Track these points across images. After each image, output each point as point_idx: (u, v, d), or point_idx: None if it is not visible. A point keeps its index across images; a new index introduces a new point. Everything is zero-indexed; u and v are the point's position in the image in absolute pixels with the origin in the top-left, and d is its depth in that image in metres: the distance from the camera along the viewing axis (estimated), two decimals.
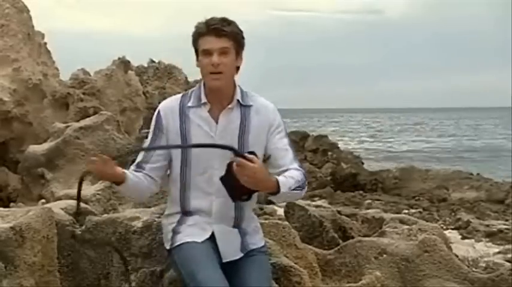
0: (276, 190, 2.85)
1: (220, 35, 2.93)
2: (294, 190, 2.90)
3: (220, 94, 3.02)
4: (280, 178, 2.88)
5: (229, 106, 3.02)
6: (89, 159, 2.94)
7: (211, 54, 2.94)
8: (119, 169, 2.94)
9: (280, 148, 3.04)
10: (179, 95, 3.14)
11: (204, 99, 3.02)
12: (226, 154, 2.90)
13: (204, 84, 3.05)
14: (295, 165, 3.00)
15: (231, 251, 3.01)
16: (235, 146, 2.93)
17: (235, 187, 2.83)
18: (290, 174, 2.94)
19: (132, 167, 3.09)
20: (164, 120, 3.05)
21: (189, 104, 3.04)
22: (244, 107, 3.04)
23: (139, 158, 3.11)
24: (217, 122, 3.01)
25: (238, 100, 3.03)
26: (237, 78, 3.08)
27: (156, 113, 3.10)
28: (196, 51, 3.01)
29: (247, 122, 3.02)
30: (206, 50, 2.95)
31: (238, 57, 3.02)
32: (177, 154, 3.03)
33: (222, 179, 2.87)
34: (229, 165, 2.82)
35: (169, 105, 3.08)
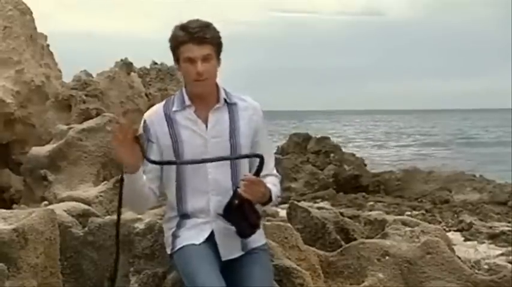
0: (269, 200, 3.00)
1: (202, 43, 2.94)
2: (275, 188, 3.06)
3: (204, 97, 3.05)
4: (272, 188, 3.00)
5: (218, 105, 3.05)
6: (120, 122, 2.90)
7: (194, 62, 2.95)
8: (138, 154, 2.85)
9: (265, 152, 3.07)
10: (161, 103, 3.15)
11: (188, 102, 3.04)
12: (217, 152, 2.99)
13: (186, 89, 3.07)
14: (274, 171, 3.15)
15: (230, 250, 3.03)
16: (228, 145, 3.01)
17: (247, 224, 2.93)
18: (273, 181, 3.08)
19: None
20: (152, 129, 3.05)
21: (174, 109, 3.06)
22: (230, 105, 3.08)
23: None
24: (206, 123, 3.03)
25: (224, 99, 3.07)
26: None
27: (142, 124, 3.11)
28: (177, 57, 3.01)
29: (236, 120, 3.06)
30: (189, 58, 2.96)
31: (218, 61, 3.04)
32: (169, 156, 3.03)
33: (229, 218, 2.94)
34: (231, 203, 2.91)
35: (153, 114, 3.09)
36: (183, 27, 2.97)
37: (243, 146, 3.04)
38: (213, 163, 3.00)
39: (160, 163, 3.00)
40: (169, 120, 3.04)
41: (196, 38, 2.94)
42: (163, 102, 3.15)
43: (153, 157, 2.98)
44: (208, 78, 2.98)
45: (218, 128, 3.03)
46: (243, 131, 3.05)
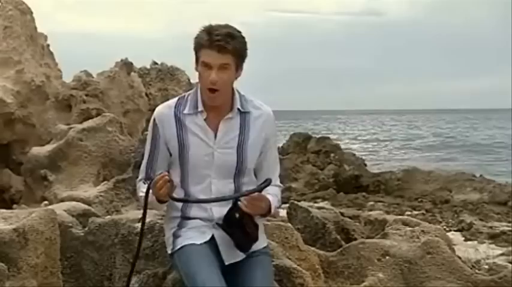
0: (268, 212, 2.98)
1: (222, 52, 2.89)
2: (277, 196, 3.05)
3: (218, 105, 3.01)
4: (271, 199, 2.98)
5: (230, 115, 3.01)
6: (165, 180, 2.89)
7: (211, 68, 2.91)
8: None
9: (271, 161, 3.09)
10: (174, 100, 3.09)
11: (200, 108, 3.00)
12: (223, 163, 2.97)
13: (201, 90, 3.01)
14: (278, 181, 3.12)
15: (232, 254, 3.01)
16: (234, 158, 2.99)
17: (246, 238, 2.93)
18: (275, 192, 3.05)
19: (142, 181, 3.09)
20: (161, 128, 3.02)
21: (185, 111, 3.01)
22: (243, 114, 3.03)
23: (144, 171, 3.10)
24: (215, 131, 3.00)
25: (238, 108, 3.02)
26: (236, 83, 3.05)
27: (151, 122, 3.08)
28: (196, 58, 2.97)
29: (246, 131, 3.01)
30: (206, 63, 2.92)
31: (239, 69, 2.99)
32: (175, 161, 3.03)
33: (229, 233, 2.93)
34: (231, 215, 2.90)
35: (164, 113, 3.04)
36: (208, 31, 2.91)
37: (250, 160, 3.01)
38: (217, 174, 2.98)
39: (178, 200, 3.00)
40: (179, 122, 3.00)
41: (216, 46, 2.88)
42: (176, 100, 3.08)
43: (160, 160, 3.02)
44: (220, 89, 2.93)
45: (227, 139, 2.99)
46: (252, 143, 3.01)
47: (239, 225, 2.90)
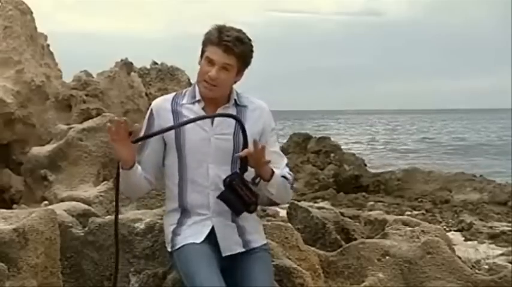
0: (270, 176, 2.98)
1: (228, 53, 2.97)
2: (284, 178, 3.07)
3: (213, 97, 3.07)
4: (276, 171, 3.03)
5: (227, 105, 3.07)
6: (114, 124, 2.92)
7: (213, 65, 2.98)
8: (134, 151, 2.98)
9: (275, 152, 3.12)
10: (172, 94, 3.18)
11: (198, 97, 3.07)
12: (219, 149, 3.02)
13: (198, 81, 3.09)
14: (287, 169, 3.17)
15: (230, 245, 3.04)
16: (230, 145, 3.03)
17: (239, 200, 2.95)
18: (281, 171, 3.10)
19: None
20: (157, 118, 3.09)
21: (183, 102, 3.09)
22: (239, 106, 3.10)
23: None
24: (212, 120, 3.05)
25: (234, 100, 3.09)
26: (235, 84, 3.12)
27: (148, 113, 3.14)
28: (202, 52, 3.05)
29: (243, 121, 3.05)
30: (210, 59, 2.99)
31: (239, 75, 3.06)
32: (171, 149, 3.06)
33: (222, 197, 2.96)
34: (229, 180, 2.94)
35: (162, 105, 3.12)
36: (219, 29, 3.00)
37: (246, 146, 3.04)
38: (214, 160, 3.02)
39: (147, 137, 3.03)
40: (176, 113, 3.06)
41: (224, 45, 2.96)
42: (173, 94, 3.17)
43: (150, 149, 3.04)
44: (217, 86, 3.00)
45: (223, 126, 3.05)
46: (249, 132, 3.03)
47: (231, 188, 2.94)
